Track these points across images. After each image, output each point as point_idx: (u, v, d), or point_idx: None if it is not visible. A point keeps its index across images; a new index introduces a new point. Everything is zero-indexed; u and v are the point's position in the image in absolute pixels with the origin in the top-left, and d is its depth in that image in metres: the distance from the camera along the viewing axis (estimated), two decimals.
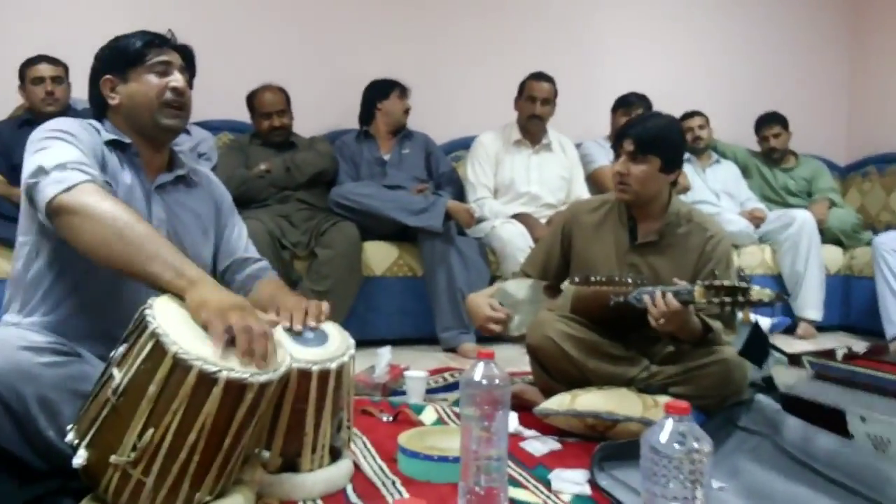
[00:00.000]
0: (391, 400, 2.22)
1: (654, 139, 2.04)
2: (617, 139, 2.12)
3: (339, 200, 3.29)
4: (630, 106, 3.84)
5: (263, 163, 3.35)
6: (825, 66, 5.00)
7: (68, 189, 1.34)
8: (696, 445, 0.99)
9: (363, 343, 2.81)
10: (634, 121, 2.14)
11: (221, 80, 3.67)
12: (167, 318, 1.22)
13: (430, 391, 2.31)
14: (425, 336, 3.25)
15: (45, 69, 3.23)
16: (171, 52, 1.61)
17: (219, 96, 3.69)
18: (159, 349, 1.18)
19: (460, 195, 3.59)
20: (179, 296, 1.30)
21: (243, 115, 3.61)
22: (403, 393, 2.26)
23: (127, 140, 1.58)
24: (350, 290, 3.10)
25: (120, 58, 1.58)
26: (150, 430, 1.17)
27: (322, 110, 3.87)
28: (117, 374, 1.22)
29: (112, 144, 1.56)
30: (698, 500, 0.97)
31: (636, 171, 2.04)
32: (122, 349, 1.25)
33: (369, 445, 1.78)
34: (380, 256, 3.28)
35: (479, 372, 1.33)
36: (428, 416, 2.04)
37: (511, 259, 3.16)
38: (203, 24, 3.77)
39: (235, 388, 1.20)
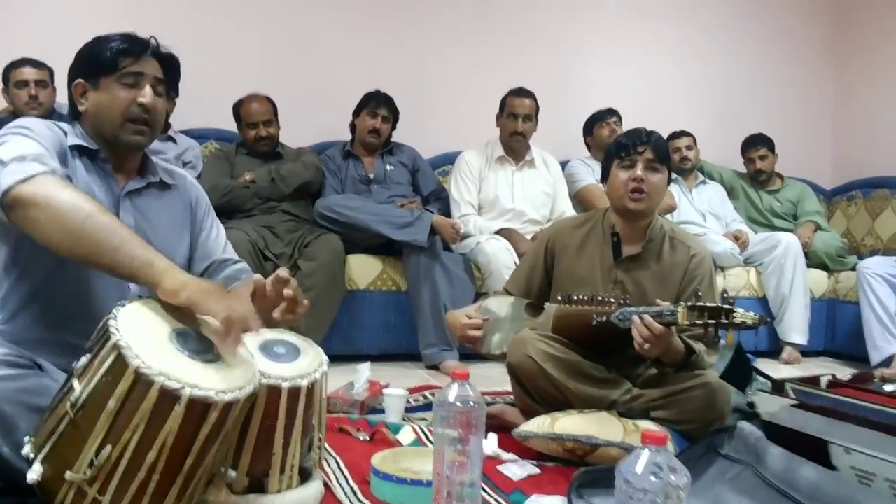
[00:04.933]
0: (369, 418, 2.17)
1: (666, 151, 2.08)
2: (626, 147, 2.06)
3: (325, 212, 3.25)
4: (606, 117, 3.88)
5: (248, 172, 3.31)
6: (810, 90, 5.03)
7: (25, 180, 1.29)
8: (672, 478, 0.95)
9: (345, 358, 2.78)
10: (646, 131, 2.10)
11: (209, 89, 3.64)
12: (132, 330, 1.18)
13: (409, 410, 2.26)
14: (408, 352, 3.21)
15: (28, 72, 3.20)
16: (148, 61, 1.55)
17: (206, 105, 3.66)
18: (121, 362, 1.14)
19: (448, 212, 3.56)
20: (151, 285, 1.26)
21: (230, 125, 3.57)
22: (382, 411, 2.22)
23: (94, 147, 1.53)
24: (332, 303, 3.06)
25: (92, 63, 1.54)
26: (108, 447, 1.13)
27: (310, 122, 3.84)
28: (77, 386, 1.17)
29: (77, 149, 1.52)
30: None
31: (654, 179, 2.03)
32: (83, 360, 1.20)
33: (343, 466, 1.73)
34: (364, 270, 3.24)
35: (452, 393, 1.29)
36: (405, 436, 1.99)
37: (496, 275, 3.13)
38: (191, 32, 3.73)
39: (199, 407, 1.16)
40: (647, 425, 1.82)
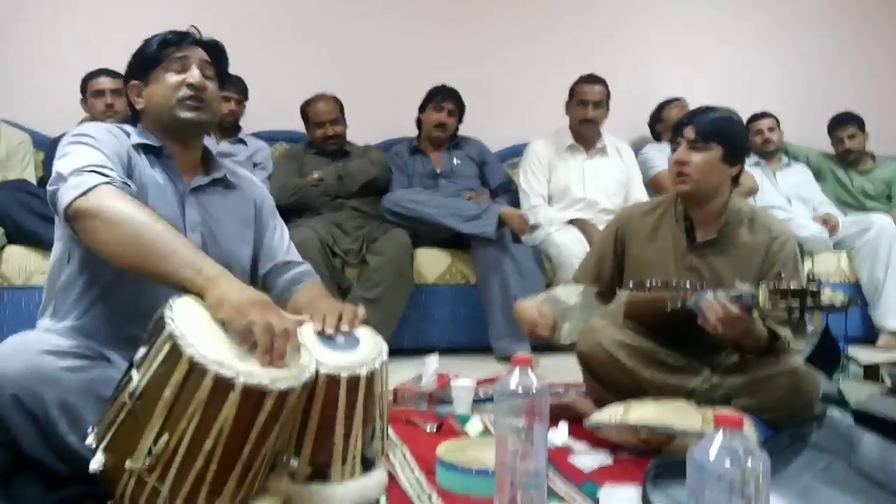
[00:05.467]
0: (437, 409, 2.14)
1: (716, 127, 1.93)
2: (676, 128, 2.00)
3: (392, 207, 3.23)
4: (672, 103, 3.74)
5: (316, 171, 3.33)
6: None
7: (84, 193, 1.31)
8: (749, 463, 0.87)
9: (416, 352, 2.76)
10: (696, 110, 2.02)
11: (277, 92, 3.71)
12: (186, 320, 1.18)
13: (478, 401, 2.21)
14: (479, 345, 3.15)
15: (105, 82, 3.30)
16: (191, 48, 1.58)
17: (275, 108, 3.73)
18: (175, 352, 1.13)
19: (516, 204, 3.50)
20: (200, 295, 1.25)
21: (299, 126, 3.61)
22: (451, 402, 2.18)
23: (157, 143, 1.55)
24: (401, 298, 3.04)
25: (141, 62, 1.58)
26: (166, 436, 1.13)
27: (376, 119, 3.84)
28: (135, 376, 1.18)
29: (142, 148, 1.54)
30: None
31: (697, 159, 1.92)
32: (142, 351, 1.21)
33: (409, 456, 1.71)
34: (432, 264, 3.21)
35: (514, 380, 1.24)
36: (473, 426, 1.95)
37: (567, 266, 3.05)
38: (257, 38, 3.81)
39: (254, 395, 1.14)
40: (727, 412, 1.71)
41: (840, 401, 1.63)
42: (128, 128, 1.57)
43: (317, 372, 1.32)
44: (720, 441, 0.89)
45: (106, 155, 1.42)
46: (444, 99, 3.52)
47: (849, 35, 4.62)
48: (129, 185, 1.40)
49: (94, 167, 1.37)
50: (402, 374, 2.47)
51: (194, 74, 1.54)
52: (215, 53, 1.63)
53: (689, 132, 1.94)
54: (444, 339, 3.19)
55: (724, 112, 1.99)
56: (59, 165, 1.38)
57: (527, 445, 1.22)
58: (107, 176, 1.36)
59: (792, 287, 1.63)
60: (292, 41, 3.92)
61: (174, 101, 1.53)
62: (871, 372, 1.62)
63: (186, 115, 1.54)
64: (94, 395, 1.29)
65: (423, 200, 3.21)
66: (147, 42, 1.58)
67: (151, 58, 1.56)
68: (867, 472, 1.42)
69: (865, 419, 1.50)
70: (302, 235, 2.95)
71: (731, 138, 1.95)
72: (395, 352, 2.95)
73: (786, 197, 3.90)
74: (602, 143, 3.59)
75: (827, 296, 1.61)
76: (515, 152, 3.92)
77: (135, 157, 1.51)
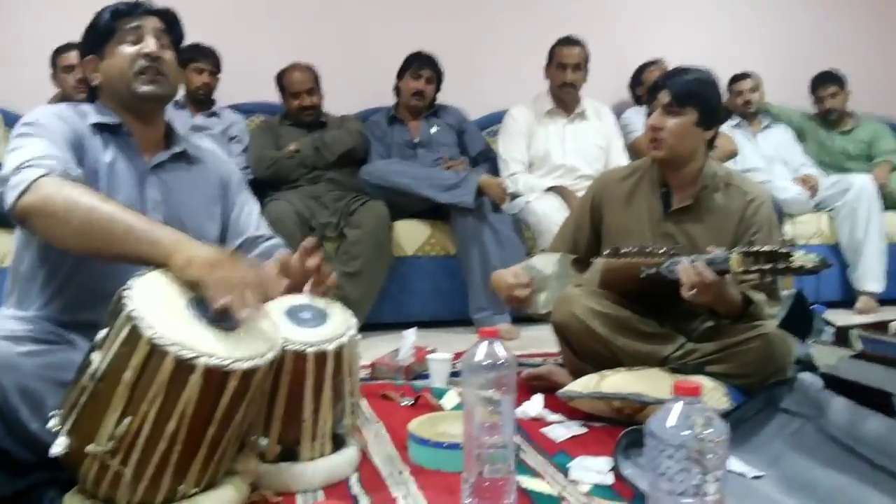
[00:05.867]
0: (413, 384, 2.14)
1: (691, 90, 1.91)
2: (651, 92, 1.98)
3: (369, 179, 3.20)
4: (652, 65, 3.71)
5: (293, 143, 3.29)
6: (886, 19, 4.67)
7: (25, 191, 1.27)
8: (708, 431, 0.86)
9: (396, 325, 2.75)
10: (671, 72, 2.00)
11: (252, 63, 3.64)
12: (146, 300, 1.16)
13: (455, 374, 2.21)
14: (459, 317, 3.15)
15: (74, 56, 3.22)
16: (143, 17, 1.53)
17: (250, 79, 3.66)
18: (135, 334, 1.12)
19: (496, 172, 3.47)
20: (162, 265, 1.23)
21: (276, 97, 3.55)
22: (427, 376, 2.18)
23: (115, 121, 1.51)
24: (380, 271, 3.03)
25: (94, 35, 1.53)
26: (128, 419, 1.11)
27: (353, 88, 3.78)
28: (96, 358, 1.16)
29: (99, 127, 1.50)
30: (710, 496, 0.85)
31: (671, 123, 1.90)
32: (102, 333, 1.19)
33: (383, 431, 1.70)
34: (411, 235, 3.20)
35: (481, 351, 1.23)
36: (449, 400, 1.94)
37: (547, 234, 3.03)
38: (231, 7, 3.74)
39: (217, 376, 1.13)
40: (700, 380, 1.71)
41: (811, 365, 1.63)
42: (85, 107, 1.52)
43: (283, 349, 1.31)
44: (679, 410, 0.88)
45: (52, 142, 1.38)
46: (421, 66, 3.47)
47: None
48: (72, 172, 1.35)
49: (33, 161, 1.32)
50: (381, 348, 2.47)
51: (149, 44, 1.50)
52: (169, 21, 1.58)
53: (664, 96, 1.92)
54: (424, 312, 3.19)
55: (699, 74, 1.96)
56: (6, 161, 1.35)
57: (494, 418, 1.22)
58: (46, 167, 1.31)
59: (763, 249, 1.63)
60: (267, 10, 3.84)
61: (130, 74, 1.49)
62: (843, 335, 1.61)
63: (144, 88, 1.50)
64: (55, 380, 1.27)
65: (400, 171, 3.18)
66: (98, 14, 1.53)
67: (104, 30, 1.51)
68: (836, 435, 1.43)
69: (834, 383, 1.50)
70: (279, 209, 2.93)
71: (707, 101, 1.93)
72: (375, 326, 2.99)
73: (766, 158, 3.89)
74: (582, 107, 3.55)
75: (798, 258, 1.60)
76: (495, 120, 3.88)
77: (89, 139, 1.47)
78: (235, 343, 1.17)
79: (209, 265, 1.21)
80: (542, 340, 2.55)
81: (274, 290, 1.36)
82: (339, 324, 1.43)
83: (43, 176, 1.29)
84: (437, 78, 3.52)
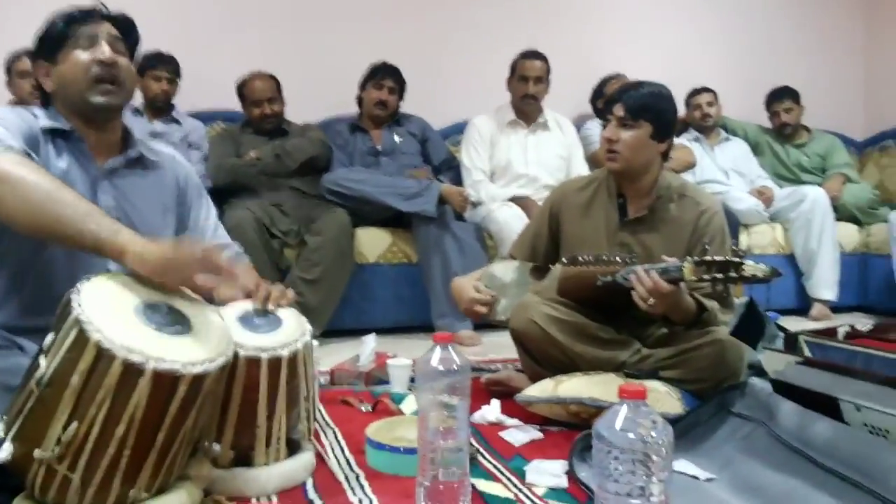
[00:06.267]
0: (373, 389, 2.13)
1: (645, 104, 1.94)
2: (607, 106, 2.01)
3: (331, 187, 3.19)
4: (613, 79, 3.78)
5: (253, 150, 3.26)
6: (839, 36, 4.81)
7: None
8: (652, 433, 0.88)
9: (357, 332, 2.74)
10: (626, 86, 2.04)
11: (214, 71, 3.60)
12: (94, 304, 1.14)
13: (415, 380, 2.21)
14: (422, 324, 3.15)
15: (30, 63, 3.18)
16: (100, 23, 1.51)
17: (212, 87, 3.62)
18: (82, 337, 1.10)
19: (459, 181, 3.49)
20: (116, 256, 1.22)
21: (236, 105, 3.53)
22: (388, 382, 2.17)
23: (66, 127, 1.48)
24: (341, 278, 3.02)
25: (47, 40, 1.50)
26: (75, 423, 1.09)
27: (316, 97, 3.76)
28: (43, 363, 1.14)
29: (51, 132, 1.47)
30: (655, 496, 0.87)
31: (626, 136, 1.93)
32: (50, 337, 1.17)
33: (340, 437, 1.70)
34: (373, 243, 3.19)
35: (435, 357, 1.23)
36: (409, 405, 1.94)
37: (509, 242, 3.02)
38: (192, 13, 3.71)
39: (166, 380, 1.12)
40: (654, 385, 1.75)
41: (763, 370, 1.66)
42: (36, 110, 1.50)
43: (236, 354, 1.30)
44: (624, 413, 0.90)
45: (11, 133, 1.36)
46: (384, 76, 3.48)
47: (786, 11, 4.70)
48: (33, 156, 1.34)
49: None
50: (342, 354, 2.46)
51: (104, 50, 1.47)
52: (125, 27, 1.55)
53: (619, 110, 1.95)
54: (386, 318, 3.19)
55: (653, 88, 1.99)
56: None
57: (449, 422, 1.22)
58: (9, 145, 1.30)
59: (716, 259, 1.66)
60: (229, 18, 3.82)
61: (85, 82, 1.46)
62: (792, 340, 1.65)
63: (98, 99, 1.47)
64: (3, 385, 1.24)
65: (362, 179, 3.18)
66: (52, 19, 1.50)
67: (58, 35, 1.48)
68: (785, 439, 1.46)
69: (783, 388, 1.54)
70: (238, 216, 2.90)
71: (661, 115, 1.96)
72: (337, 333, 2.98)
73: (723, 171, 3.97)
74: (543, 118, 3.59)
75: (750, 267, 1.64)
76: (458, 129, 3.89)
77: (42, 143, 1.44)
78: (184, 348, 1.16)
79: (161, 269, 1.20)
80: (503, 347, 2.56)
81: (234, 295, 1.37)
82: (293, 329, 1.42)
83: (7, 151, 1.28)
84: (399, 88, 3.53)
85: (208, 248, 1.25)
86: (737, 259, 1.66)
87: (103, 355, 1.09)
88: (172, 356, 1.12)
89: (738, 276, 1.65)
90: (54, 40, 1.49)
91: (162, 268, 1.21)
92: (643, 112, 1.93)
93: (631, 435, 0.88)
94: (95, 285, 1.19)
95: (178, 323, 1.20)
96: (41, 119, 1.47)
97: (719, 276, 1.66)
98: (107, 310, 1.14)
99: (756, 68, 4.52)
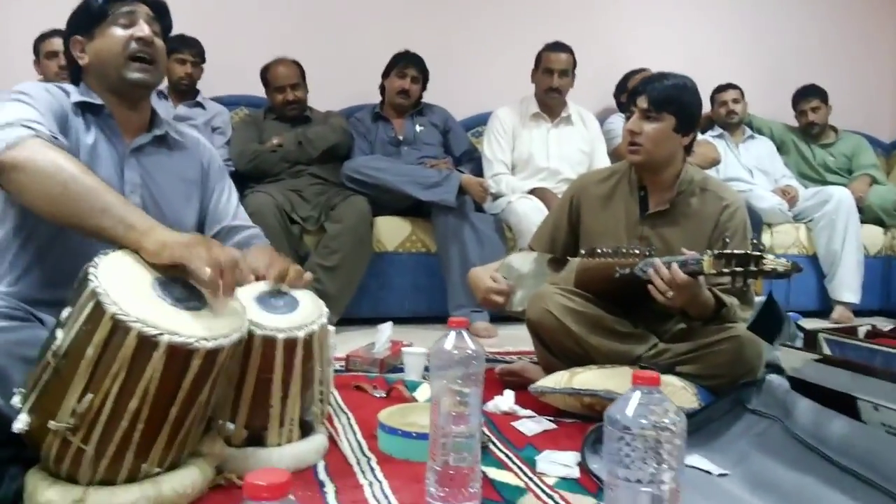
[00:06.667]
0: (387, 377, 2.14)
1: (669, 96, 1.91)
2: (630, 97, 1.99)
3: (351, 174, 3.20)
4: (637, 73, 3.74)
5: (276, 137, 3.28)
6: (869, 36, 4.73)
7: (11, 146, 1.27)
8: (665, 420, 0.87)
9: (374, 320, 2.74)
10: (650, 77, 2.01)
11: (238, 56, 3.63)
12: (111, 277, 1.15)
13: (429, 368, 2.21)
14: (438, 314, 3.14)
15: (58, 43, 3.19)
16: (136, 3, 1.53)
17: (236, 72, 3.65)
18: (99, 310, 1.11)
19: (479, 172, 3.48)
20: (134, 249, 1.23)
21: (260, 91, 3.54)
22: (402, 370, 2.17)
23: (98, 101, 1.51)
24: (359, 266, 3.02)
25: (85, 16, 1.52)
26: (90, 395, 1.10)
27: (339, 85, 3.78)
28: (60, 335, 1.14)
29: (82, 107, 1.49)
30: (666, 484, 0.86)
31: (649, 129, 1.91)
32: (67, 310, 1.18)
33: (353, 421, 1.70)
34: (392, 232, 3.20)
35: (449, 342, 1.23)
36: (422, 393, 1.94)
37: (528, 235, 3.01)
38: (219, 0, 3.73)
39: (180, 354, 1.12)
40: (670, 380, 1.73)
41: (780, 367, 1.64)
42: (68, 87, 1.52)
43: (253, 333, 1.31)
44: (637, 399, 0.89)
45: (40, 112, 1.38)
46: (407, 65, 3.47)
47: (815, 9, 4.63)
48: (59, 139, 1.36)
49: (24, 121, 1.33)
50: (358, 342, 2.46)
51: (143, 28, 1.51)
52: (160, 11, 1.58)
53: (643, 102, 1.93)
54: (403, 308, 3.19)
55: (677, 80, 1.97)
56: None
57: (461, 408, 1.22)
58: (35, 129, 1.32)
59: (736, 252, 1.64)
60: (255, 4, 3.83)
61: (122, 58, 1.49)
62: (811, 338, 1.63)
63: (135, 75, 1.50)
64: (22, 357, 1.25)
65: (383, 168, 3.18)
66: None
67: (97, 12, 1.51)
68: (800, 436, 1.44)
69: (800, 385, 1.51)
70: (259, 201, 2.92)
71: (684, 108, 1.94)
72: (354, 321, 2.98)
73: (748, 169, 3.92)
74: (567, 112, 3.57)
75: (770, 261, 1.62)
76: (481, 120, 3.89)
77: (72, 118, 1.46)
78: (199, 323, 1.17)
79: (185, 245, 1.21)
80: (519, 339, 2.55)
81: (245, 272, 1.37)
82: (310, 311, 1.42)
83: (33, 137, 1.30)
84: (422, 77, 3.52)
85: (239, 257, 1.26)
86: (757, 252, 1.63)
87: (119, 328, 1.10)
88: (187, 330, 1.13)
89: (759, 269, 1.62)
90: (93, 16, 1.51)
91: (189, 254, 1.21)
92: (667, 104, 1.91)
93: (643, 420, 0.87)
94: (113, 259, 1.20)
95: (193, 298, 1.20)
96: (73, 95, 1.50)
97: (739, 269, 1.63)
98: (123, 283, 1.15)
99: (783, 66, 4.46)
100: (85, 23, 1.53)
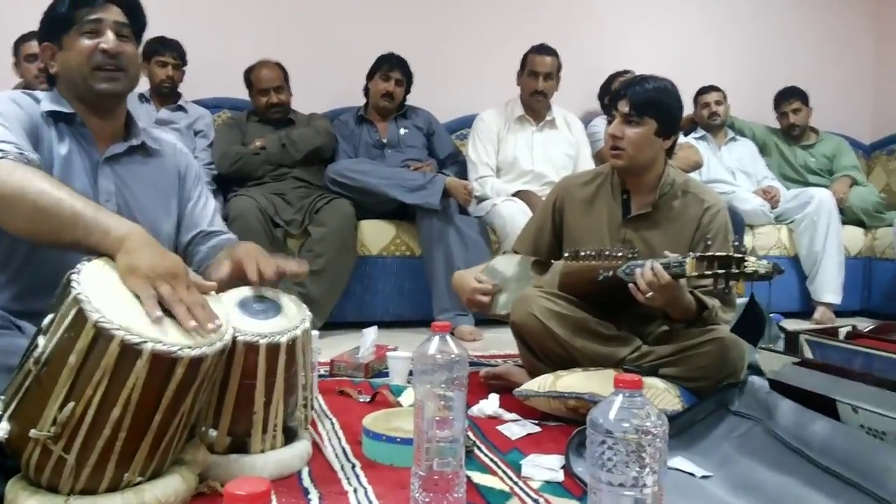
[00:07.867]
0: (372, 381, 2.13)
1: (650, 100, 1.92)
2: (612, 101, 2.00)
3: (336, 178, 3.19)
4: (621, 76, 3.74)
5: (259, 139, 3.27)
6: (849, 38, 4.79)
7: None
8: (647, 424, 0.87)
9: (359, 325, 2.74)
10: (631, 81, 2.01)
11: (221, 58, 3.62)
12: (94, 284, 1.14)
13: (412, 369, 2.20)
14: (423, 318, 3.15)
15: (38, 46, 3.18)
16: (105, 8, 1.49)
17: (219, 74, 3.64)
18: (81, 317, 1.10)
19: (464, 175, 3.49)
20: (110, 255, 1.22)
21: (244, 93, 3.53)
22: (387, 374, 2.17)
23: (68, 110, 1.49)
24: (344, 269, 3.02)
25: (52, 23, 1.49)
26: (71, 404, 1.09)
27: (323, 87, 3.78)
28: (42, 342, 1.13)
29: (54, 116, 1.47)
30: (649, 488, 0.86)
31: (631, 133, 1.92)
32: (49, 317, 1.17)
33: (337, 426, 1.69)
34: (376, 235, 3.19)
35: (433, 346, 1.23)
36: (407, 398, 1.94)
37: (512, 237, 3.02)
38: (201, 1, 3.71)
39: (164, 362, 1.12)
40: (653, 382, 1.74)
41: (760, 370, 1.65)
42: (39, 94, 1.50)
43: (235, 339, 1.30)
44: (619, 403, 0.89)
45: (8, 128, 1.36)
46: (391, 68, 3.47)
47: (797, 12, 4.68)
48: (29, 155, 1.33)
49: None
50: (343, 347, 2.46)
51: (108, 39, 1.47)
52: (132, 11, 1.55)
53: (624, 106, 1.93)
54: (388, 311, 3.19)
55: (658, 83, 1.97)
56: None
57: (445, 412, 1.22)
58: (3, 151, 1.29)
59: (718, 254, 1.65)
60: (237, 6, 3.82)
61: (87, 70, 1.46)
62: (792, 339, 1.64)
63: (102, 86, 1.47)
64: (2, 365, 1.24)
65: (367, 171, 3.18)
66: (58, 1, 1.49)
67: (63, 19, 1.47)
68: (782, 437, 1.45)
69: (779, 387, 1.53)
70: (242, 205, 2.91)
71: (666, 111, 1.95)
72: (338, 325, 2.97)
73: (730, 171, 3.95)
74: (552, 115, 3.59)
75: (752, 263, 1.63)
76: (465, 123, 3.90)
77: (43, 129, 1.45)
78: (184, 330, 1.16)
79: (149, 279, 1.18)
80: (504, 342, 2.56)
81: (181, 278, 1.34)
82: (292, 316, 1.42)
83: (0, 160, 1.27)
84: (406, 80, 3.52)
85: (205, 300, 1.25)
86: (738, 255, 1.64)
87: (101, 335, 1.09)
88: (171, 338, 1.12)
89: (740, 271, 1.63)
90: (60, 23, 1.48)
91: (145, 294, 1.19)
92: (648, 108, 1.92)
93: (625, 424, 0.87)
94: (95, 266, 1.19)
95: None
96: (44, 103, 1.48)
97: (721, 271, 1.64)
98: (106, 290, 1.15)
99: (765, 68, 4.51)
100: (53, 30, 1.50)
